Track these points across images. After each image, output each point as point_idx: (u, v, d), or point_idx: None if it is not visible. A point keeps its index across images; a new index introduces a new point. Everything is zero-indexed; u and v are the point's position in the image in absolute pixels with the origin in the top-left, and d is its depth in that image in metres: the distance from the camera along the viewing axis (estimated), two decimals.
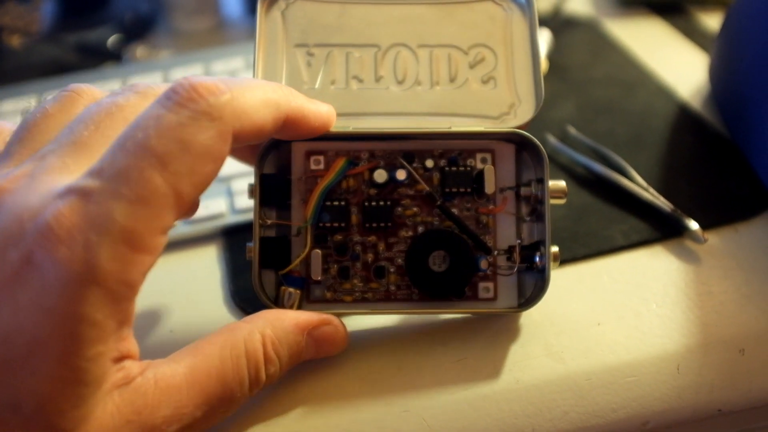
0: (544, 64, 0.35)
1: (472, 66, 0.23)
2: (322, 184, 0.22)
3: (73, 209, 0.15)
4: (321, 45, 0.23)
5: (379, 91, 0.23)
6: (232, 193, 0.29)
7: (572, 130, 0.31)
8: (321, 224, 0.22)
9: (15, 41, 0.43)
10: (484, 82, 0.23)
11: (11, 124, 0.20)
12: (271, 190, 0.22)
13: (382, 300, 0.22)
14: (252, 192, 0.22)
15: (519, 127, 0.22)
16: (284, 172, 0.23)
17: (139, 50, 0.41)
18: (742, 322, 0.23)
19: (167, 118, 0.16)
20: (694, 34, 0.39)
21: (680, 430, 0.22)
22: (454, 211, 0.23)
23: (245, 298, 0.24)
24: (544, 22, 0.39)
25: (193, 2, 0.42)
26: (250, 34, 0.43)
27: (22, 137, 0.18)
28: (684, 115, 0.32)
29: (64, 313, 0.15)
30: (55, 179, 0.16)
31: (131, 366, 0.16)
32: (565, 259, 0.25)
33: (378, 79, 0.23)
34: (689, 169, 0.29)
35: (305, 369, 0.22)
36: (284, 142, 0.23)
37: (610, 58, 0.37)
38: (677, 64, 0.36)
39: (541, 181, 0.22)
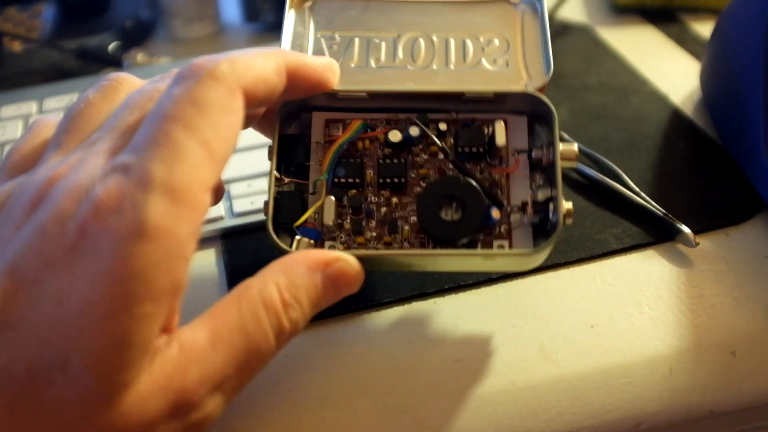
0: None
1: (485, 50, 0.25)
2: (338, 141, 0.23)
3: (119, 182, 0.16)
4: (344, 33, 0.25)
5: (397, 69, 0.24)
6: (230, 196, 0.29)
7: (566, 136, 0.31)
8: (336, 179, 0.23)
9: (16, 47, 0.43)
10: (497, 63, 0.24)
11: (55, 118, 0.21)
12: (290, 150, 0.23)
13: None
14: (271, 151, 0.22)
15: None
16: (305, 137, 0.24)
17: (140, 56, 0.41)
18: (734, 324, 0.23)
19: (177, 90, 0.17)
20: (686, 42, 0.39)
21: (673, 431, 0.22)
22: None
23: None
24: None
25: (192, 9, 0.43)
26: (250, 40, 0.44)
27: (69, 128, 0.19)
28: (676, 121, 0.33)
29: (116, 271, 0.15)
30: (104, 161, 0.17)
31: (161, 337, 0.17)
32: (558, 263, 0.25)
33: (395, 59, 0.24)
34: (681, 174, 0.29)
35: (302, 369, 0.22)
36: (306, 110, 0.24)
37: (603, 65, 0.37)
38: (670, 70, 0.37)
39: (552, 144, 0.22)
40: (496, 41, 0.25)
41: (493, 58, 0.24)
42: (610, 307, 0.24)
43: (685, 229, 0.26)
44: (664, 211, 0.27)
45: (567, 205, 0.21)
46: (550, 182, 0.22)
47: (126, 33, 0.43)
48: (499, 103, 0.23)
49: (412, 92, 0.23)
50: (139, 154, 0.16)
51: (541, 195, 0.22)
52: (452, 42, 0.25)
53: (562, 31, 0.41)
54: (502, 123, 0.23)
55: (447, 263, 0.21)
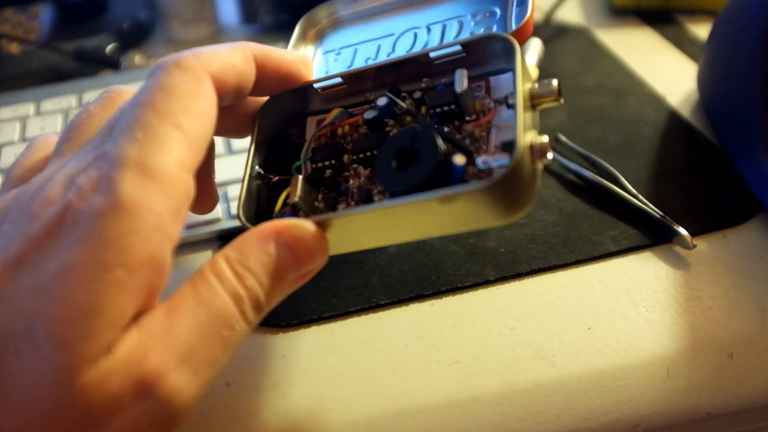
0: (534, 73, 0.36)
1: (477, 23, 0.24)
2: (317, 128, 0.23)
3: (98, 166, 0.17)
4: (346, 47, 0.26)
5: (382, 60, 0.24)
6: (227, 199, 0.29)
7: (563, 138, 0.31)
8: (314, 165, 0.23)
9: (14, 48, 0.43)
10: (483, 31, 0.23)
11: (54, 135, 0.22)
12: (279, 149, 0.23)
13: None
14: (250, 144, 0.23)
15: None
16: (293, 137, 0.24)
17: (137, 58, 0.41)
18: (731, 326, 0.23)
19: (147, 82, 0.18)
20: (684, 43, 0.39)
21: None
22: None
23: None
24: (535, 31, 0.39)
25: (190, 11, 0.43)
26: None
27: (70, 137, 0.20)
28: (673, 122, 0.33)
29: (90, 240, 0.15)
30: (90, 154, 0.18)
31: None
32: (556, 265, 0.25)
33: (389, 55, 0.25)
34: (678, 176, 0.29)
35: (299, 370, 0.22)
36: (300, 117, 0.24)
37: (600, 67, 0.37)
38: (667, 72, 0.37)
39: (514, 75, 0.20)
40: (488, 14, 0.24)
41: (481, 28, 0.24)
42: (607, 309, 0.24)
43: (683, 231, 0.26)
44: (661, 213, 0.27)
45: (541, 138, 0.18)
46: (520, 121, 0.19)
47: (124, 34, 0.43)
48: (477, 63, 0.22)
49: (380, 65, 0.23)
50: (115, 140, 0.17)
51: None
52: (446, 26, 0.25)
53: (559, 32, 0.41)
54: (464, 71, 0.21)
55: (407, 219, 0.20)
